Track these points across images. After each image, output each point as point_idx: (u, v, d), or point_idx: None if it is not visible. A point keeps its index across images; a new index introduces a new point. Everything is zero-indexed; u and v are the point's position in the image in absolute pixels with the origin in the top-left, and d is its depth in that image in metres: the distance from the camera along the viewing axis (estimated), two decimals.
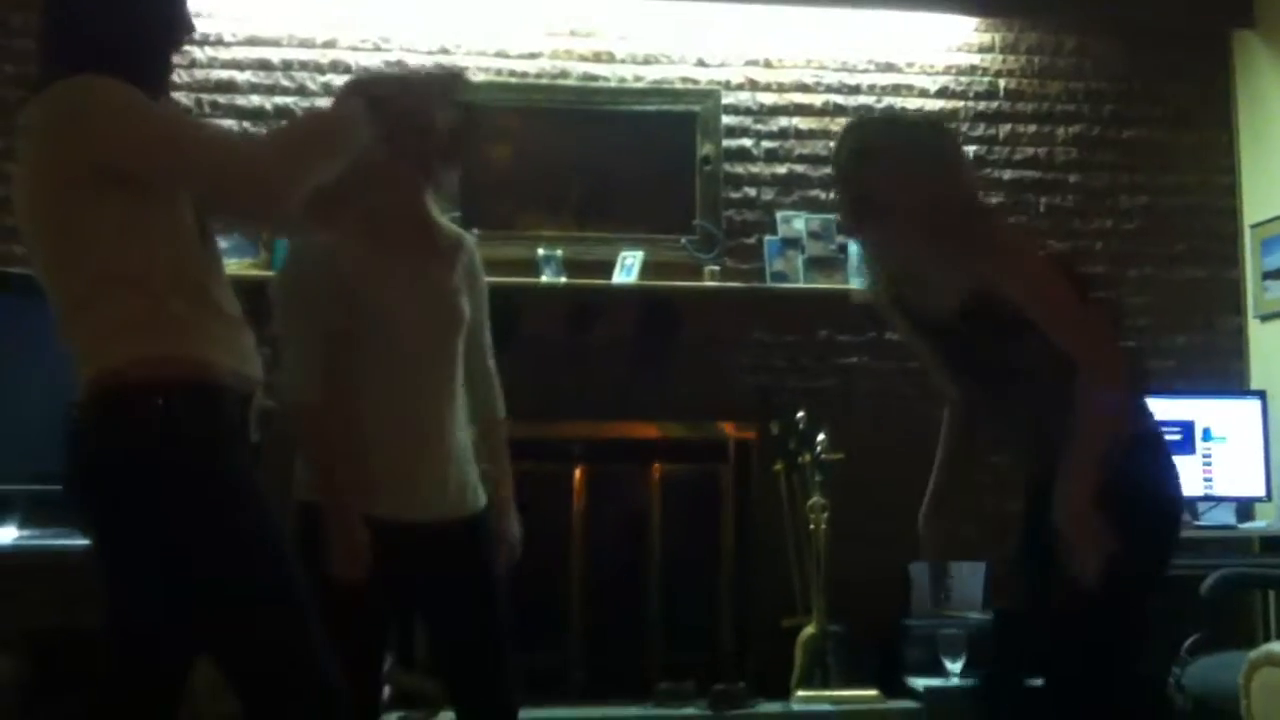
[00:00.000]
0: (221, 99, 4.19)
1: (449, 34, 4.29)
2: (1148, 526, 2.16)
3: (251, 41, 4.22)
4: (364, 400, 2.25)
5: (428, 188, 2.38)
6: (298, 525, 2.23)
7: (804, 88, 4.44)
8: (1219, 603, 3.18)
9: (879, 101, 4.46)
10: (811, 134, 4.42)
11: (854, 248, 4.18)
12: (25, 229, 1.85)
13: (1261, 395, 4.23)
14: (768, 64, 4.43)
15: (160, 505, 1.77)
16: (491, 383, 2.51)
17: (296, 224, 2.09)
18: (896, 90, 4.48)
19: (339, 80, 4.06)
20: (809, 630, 3.85)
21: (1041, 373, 2.19)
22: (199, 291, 1.86)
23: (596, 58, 4.35)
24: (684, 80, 4.38)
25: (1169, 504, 2.26)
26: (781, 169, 4.41)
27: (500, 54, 4.31)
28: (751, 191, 4.39)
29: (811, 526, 3.90)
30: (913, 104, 4.48)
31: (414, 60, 4.24)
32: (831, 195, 4.09)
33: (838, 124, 4.41)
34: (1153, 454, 2.26)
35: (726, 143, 4.36)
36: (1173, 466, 2.27)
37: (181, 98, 4.12)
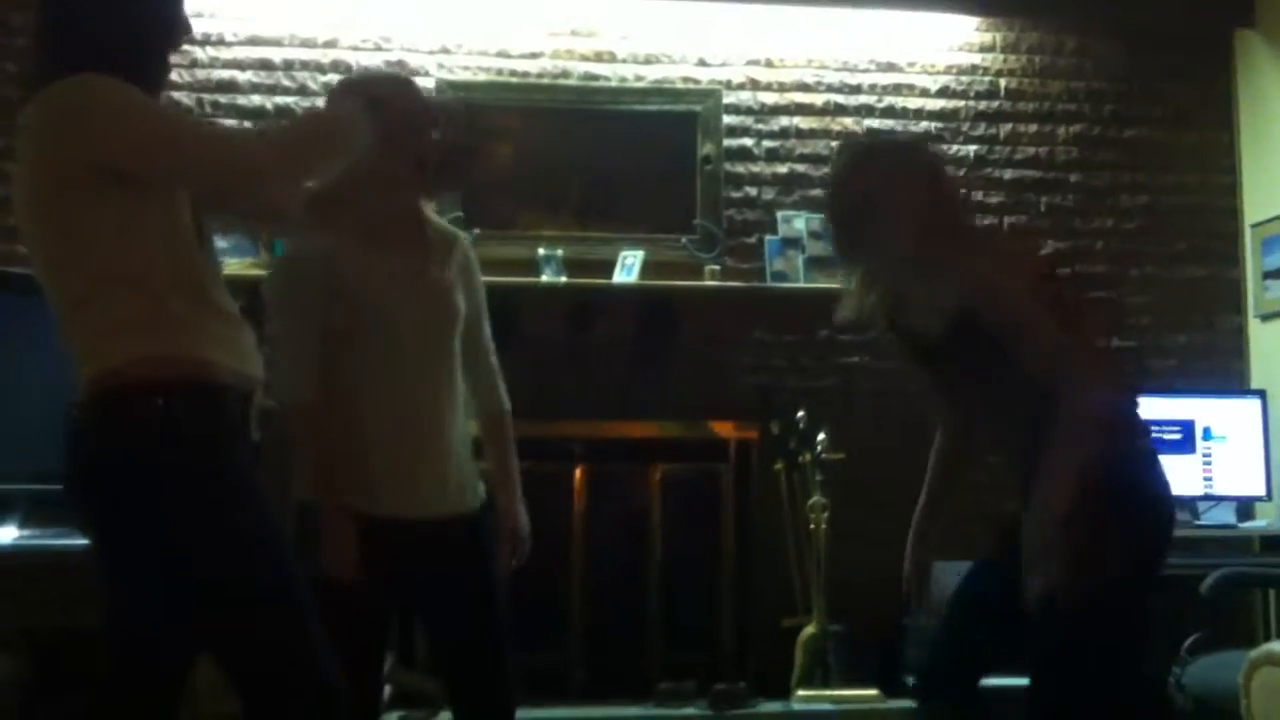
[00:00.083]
0: (223, 99, 4.20)
1: (449, 34, 4.29)
2: (1135, 527, 2.16)
3: (253, 41, 4.23)
4: (362, 399, 2.24)
5: (424, 189, 2.38)
6: (297, 525, 2.23)
7: (805, 87, 4.44)
8: (1219, 602, 3.17)
9: (880, 101, 4.46)
10: (812, 133, 4.42)
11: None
12: (25, 229, 1.85)
13: (1261, 394, 4.23)
14: (769, 63, 4.43)
15: (160, 505, 1.77)
16: (495, 379, 2.50)
17: (296, 223, 2.09)
18: (897, 90, 4.48)
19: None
20: (809, 630, 3.85)
21: (1040, 374, 2.19)
22: (198, 291, 1.86)
23: (598, 57, 4.35)
24: (685, 80, 4.38)
25: (1157, 503, 2.25)
26: (782, 168, 4.41)
27: (501, 54, 4.31)
28: (752, 191, 4.39)
29: (812, 526, 3.90)
30: (913, 103, 4.48)
31: (414, 60, 4.24)
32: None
33: (839, 124, 4.42)
34: (1139, 457, 2.26)
35: (727, 142, 4.36)
36: (1158, 465, 2.27)
37: (183, 98, 4.14)
